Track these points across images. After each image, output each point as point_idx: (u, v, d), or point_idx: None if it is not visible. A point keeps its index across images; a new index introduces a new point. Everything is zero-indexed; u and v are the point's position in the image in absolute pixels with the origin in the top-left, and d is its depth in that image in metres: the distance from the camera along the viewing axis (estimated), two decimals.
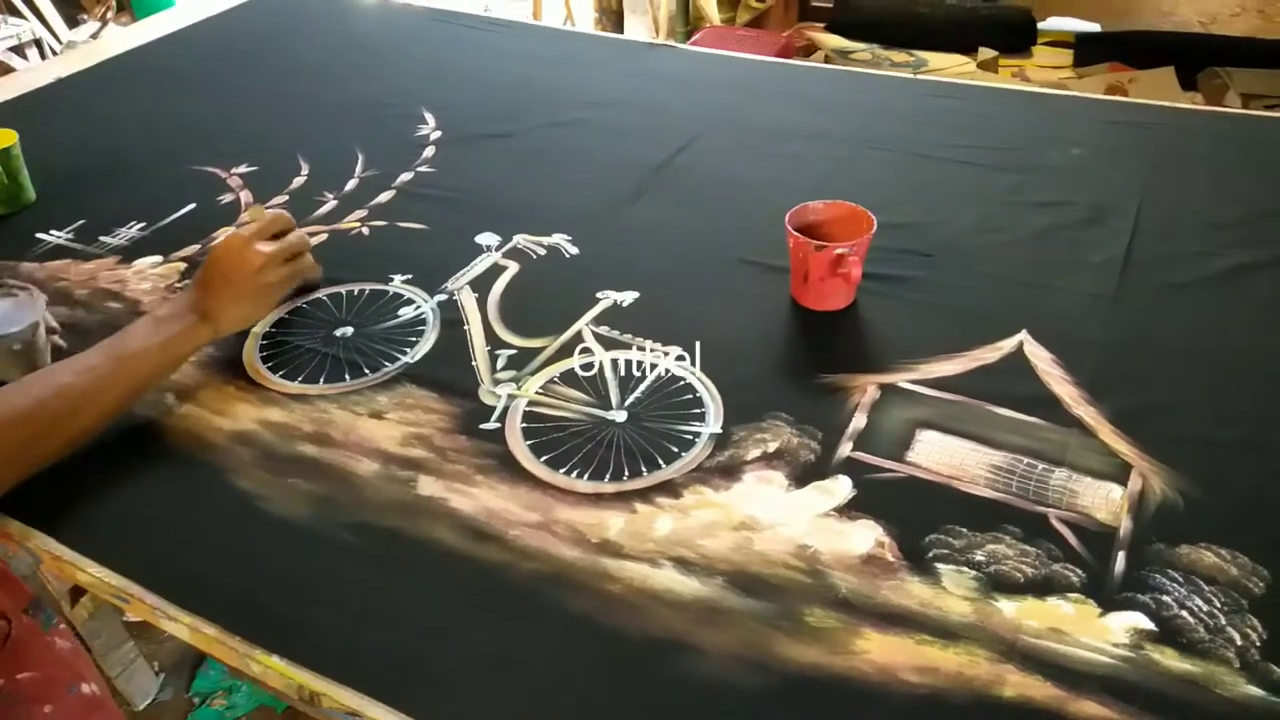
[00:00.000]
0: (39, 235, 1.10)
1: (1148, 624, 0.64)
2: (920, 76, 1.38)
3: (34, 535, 0.74)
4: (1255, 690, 0.59)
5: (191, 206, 1.14)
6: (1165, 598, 0.65)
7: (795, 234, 0.90)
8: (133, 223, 1.11)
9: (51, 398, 0.75)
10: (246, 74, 1.49)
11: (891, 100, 1.34)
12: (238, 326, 0.88)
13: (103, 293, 1.00)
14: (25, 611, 0.90)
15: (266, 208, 1.10)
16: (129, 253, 1.06)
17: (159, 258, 1.05)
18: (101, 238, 1.09)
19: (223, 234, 1.08)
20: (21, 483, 0.74)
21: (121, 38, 1.66)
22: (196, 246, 1.06)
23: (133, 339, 0.80)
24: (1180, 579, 0.66)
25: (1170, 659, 0.62)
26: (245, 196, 1.15)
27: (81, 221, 1.12)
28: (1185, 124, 1.24)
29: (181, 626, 0.69)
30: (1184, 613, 0.64)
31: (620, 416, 0.82)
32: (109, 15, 2.62)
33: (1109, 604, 0.65)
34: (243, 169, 1.21)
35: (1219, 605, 0.64)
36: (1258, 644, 0.62)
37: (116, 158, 1.26)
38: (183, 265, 1.03)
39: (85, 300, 0.99)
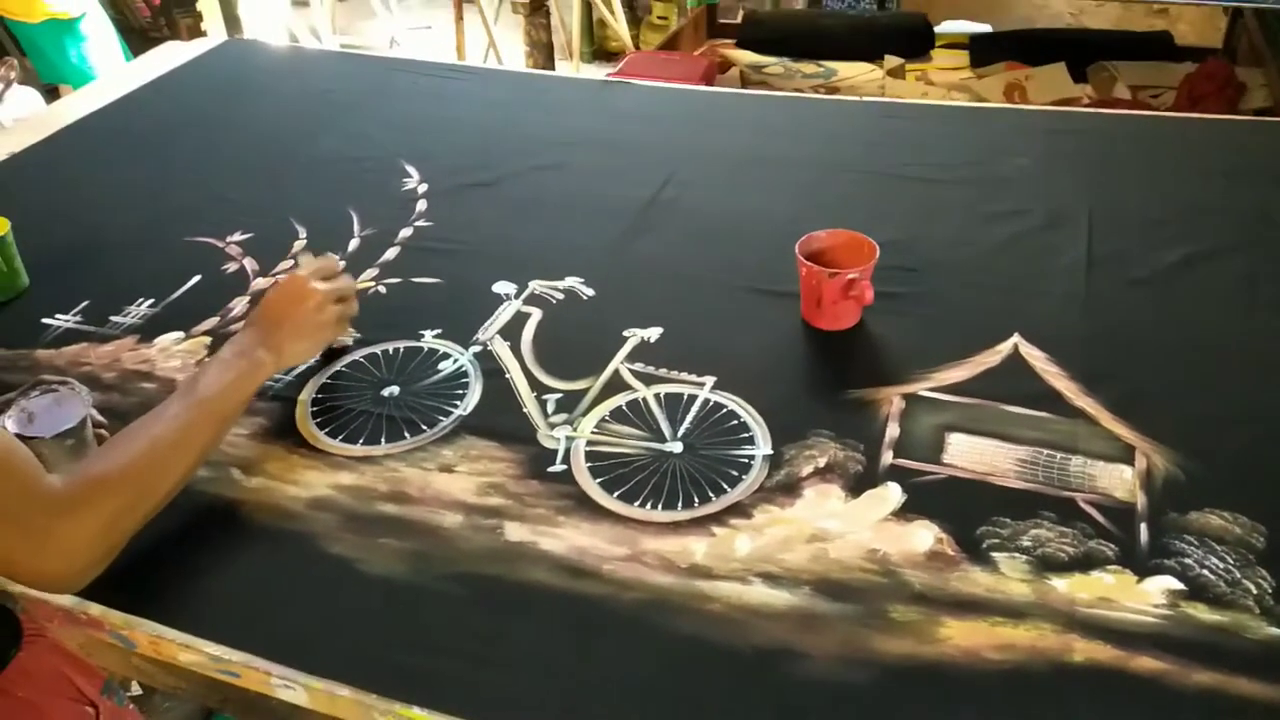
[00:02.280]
0: (45, 321, 1.10)
1: (1178, 585, 0.74)
2: (867, 99, 1.49)
3: (139, 623, 0.76)
4: (1277, 630, 0.70)
5: (197, 279, 1.15)
6: (1187, 560, 0.75)
7: (807, 263, 0.98)
8: (140, 300, 1.12)
9: (149, 451, 0.77)
10: (211, 136, 1.49)
11: (845, 124, 1.44)
12: (298, 360, 0.93)
13: (131, 374, 1.01)
14: (101, 693, 0.91)
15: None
16: (146, 331, 1.07)
17: (180, 334, 1.06)
18: (112, 318, 1.09)
19: (238, 303, 1.10)
20: (124, 545, 0.75)
21: (66, 107, 1.63)
22: (215, 319, 1.08)
23: (207, 382, 0.83)
24: (1195, 542, 0.77)
25: (1203, 612, 0.72)
26: (250, 264, 1.17)
27: (85, 303, 1.12)
28: (1114, 128, 1.37)
29: (302, 692, 0.73)
30: (1205, 571, 0.75)
31: (676, 448, 0.88)
32: (13, 76, 2.53)
33: (1143, 571, 0.75)
34: (238, 236, 1.22)
35: (1232, 561, 0.75)
36: (1270, 591, 0.73)
37: (101, 234, 1.26)
38: (208, 340, 1.05)
39: (115, 383, 1.00)
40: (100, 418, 0.92)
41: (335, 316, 0.94)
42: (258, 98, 1.62)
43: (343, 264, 1.06)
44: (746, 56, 2.88)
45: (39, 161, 1.44)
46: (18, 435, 0.84)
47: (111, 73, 1.78)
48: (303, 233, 1.22)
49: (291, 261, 1.17)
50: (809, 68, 2.83)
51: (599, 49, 3.82)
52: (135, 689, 1.49)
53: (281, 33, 3.30)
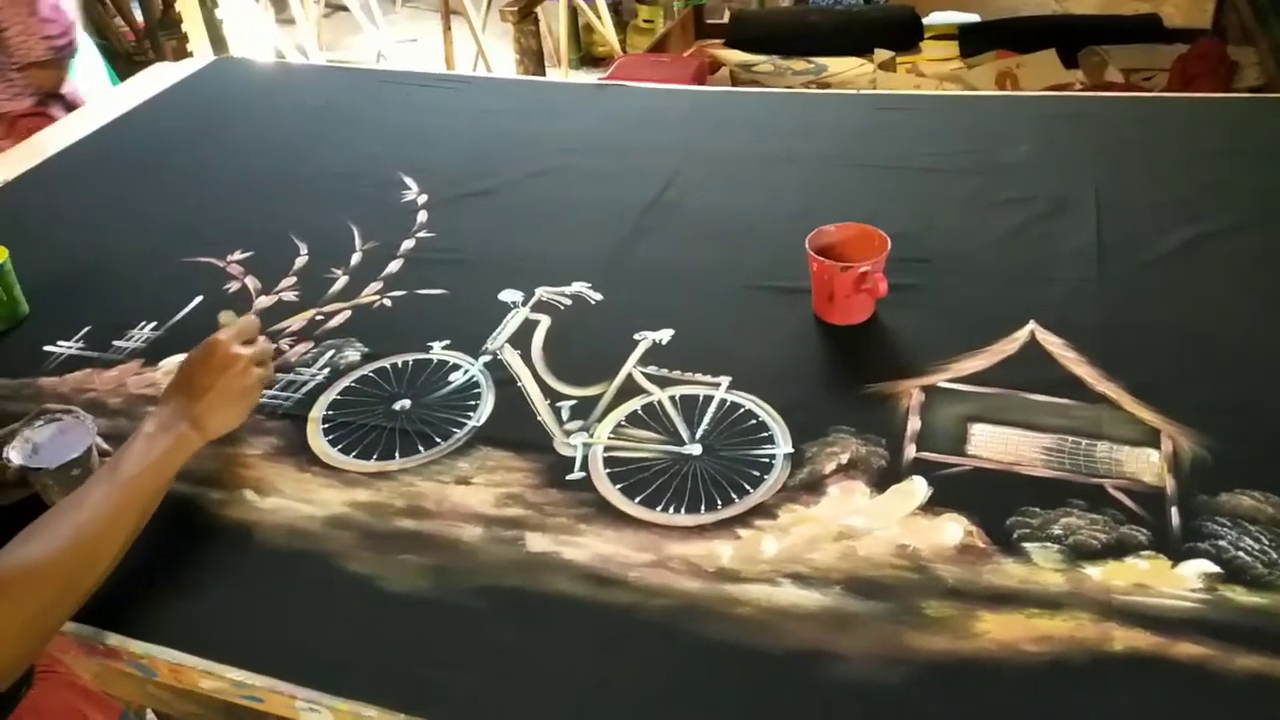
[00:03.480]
0: (47, 348, 1.08)
1: (1214, 568, 0.72)
2: (863, 92, 1.48)
3: (158, 651, 0.75)
4: None
5: (198, 300, 1.14)
6: (1221, 542, 0.74)
7: (818, 257, 0.97)
8: (143, 323, 1.10)
9: (76, 540, 0.72)
10: (206, 156, 1.48)
11: (843, 118, 1.43)
12: (224, 429, 0.85)
13: (137, 399, 1.00)
14: None
15: (261, 306, 1.11)
16: (150, 355, 1.06)
17: (184, 356, 1.04)
18: (115, 343, 1.08)
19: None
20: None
21: (57, 133, 1.62)
22: None
23: (131, 462, 0.77)
24: (1229, 523, 0.76)
25: (1241, 595, 0.70)
26: (252, 283, 1.16)
27: (87, 329, 1.11)
28: (1113, 111, 1.37)
29: (328, 715, 0.71)
30: (1240, 553, 0.73)
31: (695, 450, 0.87)
32: None
33: (1177, 555, 0.74)
34: (239, 255, 1.21)
35: (1267, 542, 0.74)
36: None
37: (99, 259, 1.24)
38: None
39: (122, 409, 0.99)
40: (106, 446, 0.90)
41: (259, 379, 0.87)
42: (250, 116, 1.61)
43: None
44: (735, 56, 2.87)
45: (33, 188, 1.43)
46: (22, 466, 0.82)
47: (101, 97, 1.77)
48: (304, 249, 1.21)
49: (294, 278, 1.15)
50: (799, 64, 2.82)
51: (586, 54, 3.81)
52: (151, 718, 1.47)
53: (268, 51, 3.29)
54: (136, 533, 0.76)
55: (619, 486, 0.84)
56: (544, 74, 2.33)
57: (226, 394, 0.84)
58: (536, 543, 0.79)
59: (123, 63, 3.34)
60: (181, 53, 2.65)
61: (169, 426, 0.81)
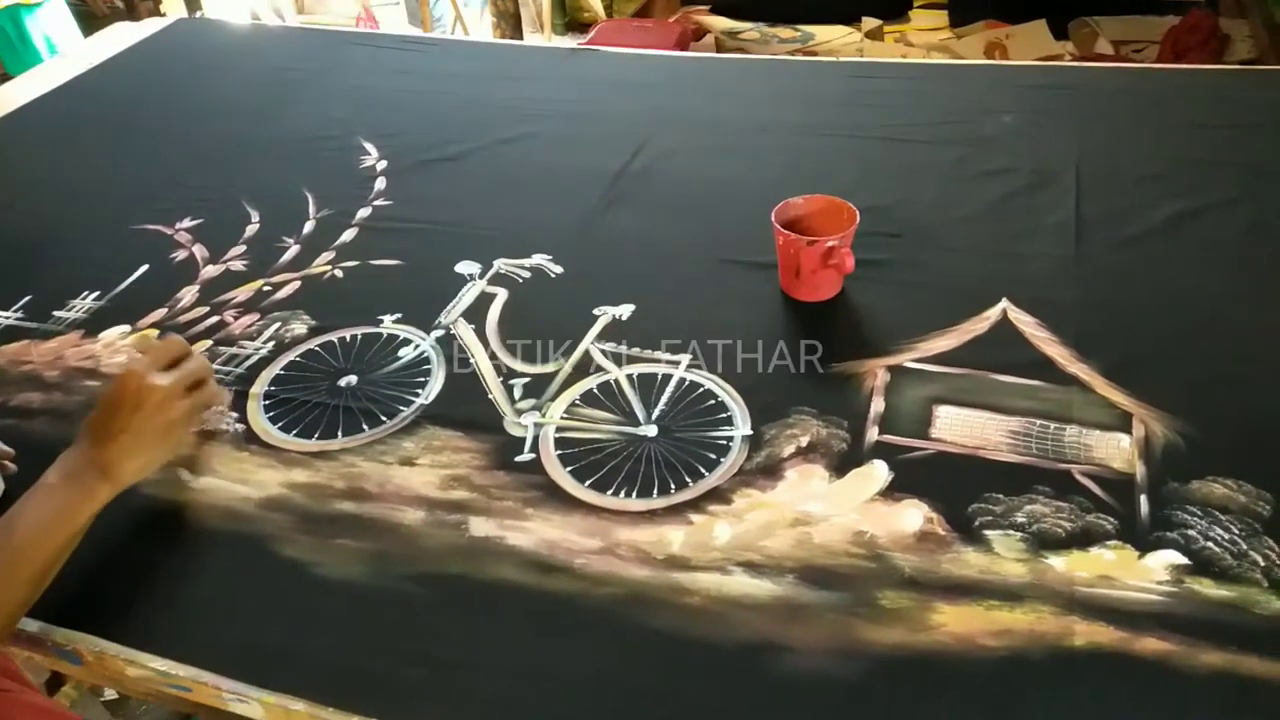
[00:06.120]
0: None
1: (1182, 559, 0.69)
2: (844, 59, 1.43)
3: (80, 639, 0.71)
4: None
5: (144, 269, 1.09)
6: (1190, 532, 0.71)
7: (784, 231, 0.93)
8: (85, 293, 1.06)
9: None
10: (161, 120, 1.42)
11: (823, 86, 1.39)
12: (141, 475, 0.75)
13: (75, 371, 0.96)
14: None
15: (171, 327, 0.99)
16: (91, 325, 1.01)
17: (126, 327, 1.00)
18: (55, 313, 1.04)
19: (187, 292, 1.04)
20: None
21: (8, 94, 1.56)
22: (163, 310, 1.02)
23: (26, 519, 0.69)
24: (1199, 513, 0.73)
25: (1209, 588, 0.68)
26: (199, 251, 1.11)
27: (27, 298, 1.06)
28: (1103, 83, 1.32)
29: (258, 707, 0.68)
30: (1210, 544, 0.70)
31: (651, 431, 0.84)
32: None
33: (1144, 546, 0.71)
34: (188, 223, 1.16)
35: (1237, 532, 0.71)
36: (1279, 562, 0.69)
37: (44, 225, 1.19)
38: (154, 332, 1.00)
39: (59, 382, 0.95)
40: (6, 447, 0.86)
41: (184, 412, 0.76)
42: (211, 78, 1.55)
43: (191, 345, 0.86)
44: (721, 22, 2.82)
45: None
46: None
47: (57, 57, 1.71)
48: (255, 216, 1.16)
49: (243, 247, 1.11)
50: (785, 32, 2.77)
51: (571, 20, 3.73)
52: (110, 693, 1.45)
53: (243, 14, 3.21)
54: (31, 600, 0.69)
55: (569, 469, 0.80)
56: (522, 38, 2.27)
57: (142, 435, 0.74)
58: (480, 527, 0.76)
59: (100, 25, 3.26)
60: (157, 15, 2.58)
61: (74, 476, 0.72)
